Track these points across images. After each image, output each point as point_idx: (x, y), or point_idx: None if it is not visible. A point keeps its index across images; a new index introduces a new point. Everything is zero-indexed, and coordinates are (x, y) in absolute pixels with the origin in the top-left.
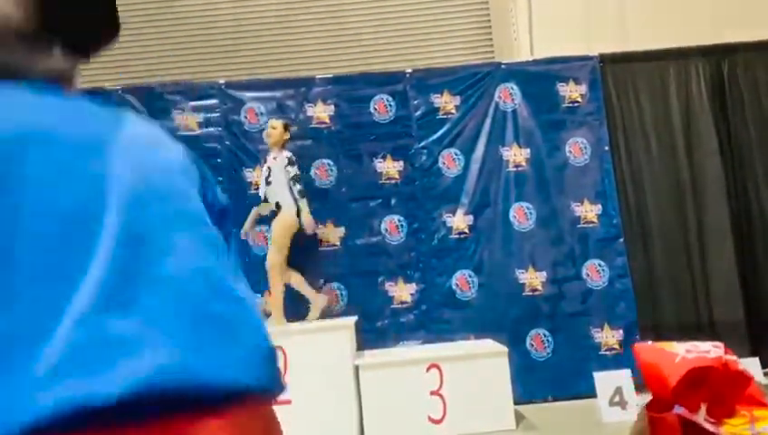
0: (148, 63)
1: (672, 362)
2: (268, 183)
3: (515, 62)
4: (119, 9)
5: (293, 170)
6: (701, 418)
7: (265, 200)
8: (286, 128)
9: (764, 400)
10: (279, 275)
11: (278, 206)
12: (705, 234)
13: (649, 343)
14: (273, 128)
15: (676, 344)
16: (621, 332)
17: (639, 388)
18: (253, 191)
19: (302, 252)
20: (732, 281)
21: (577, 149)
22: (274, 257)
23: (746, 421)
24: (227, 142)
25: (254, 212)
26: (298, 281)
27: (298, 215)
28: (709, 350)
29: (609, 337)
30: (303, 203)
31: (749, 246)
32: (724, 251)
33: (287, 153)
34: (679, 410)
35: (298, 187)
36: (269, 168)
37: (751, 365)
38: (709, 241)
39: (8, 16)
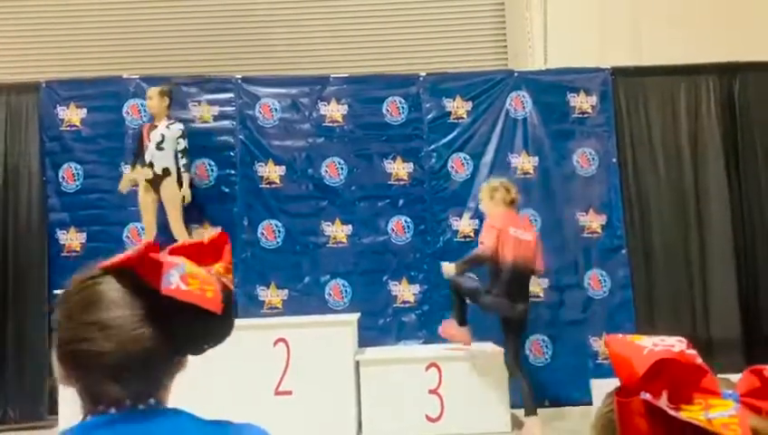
0: (166, 55)
1: (641, 353)
2: (160, 148)
3: (528, 70)
4: (139, 0)
5: (183, 143)
6: (663, 403)
7: (150, 165)
8: (163, 94)
9: (718, 390)
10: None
11: (166, 171)
12: (707, 250)
13: (620, 335)
14: (150, 98)
15: (644, 338)
16: None
17: None
18: (264, 186)
19: (308, 248)
20: (731, 299)
21: (585, 159)
22: (178, 222)
23: (701, 408)
24: (241, 136)
25: (130, 173)
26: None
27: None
28: (674, 344)
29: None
30: (186, 177)
31: (750, 265)
32: (725, 269)
33: (180, 126)
34: (645, 395)
35: (184, 160)
36: (162, 134)
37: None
38: (711, 258)
39: (149, 349)
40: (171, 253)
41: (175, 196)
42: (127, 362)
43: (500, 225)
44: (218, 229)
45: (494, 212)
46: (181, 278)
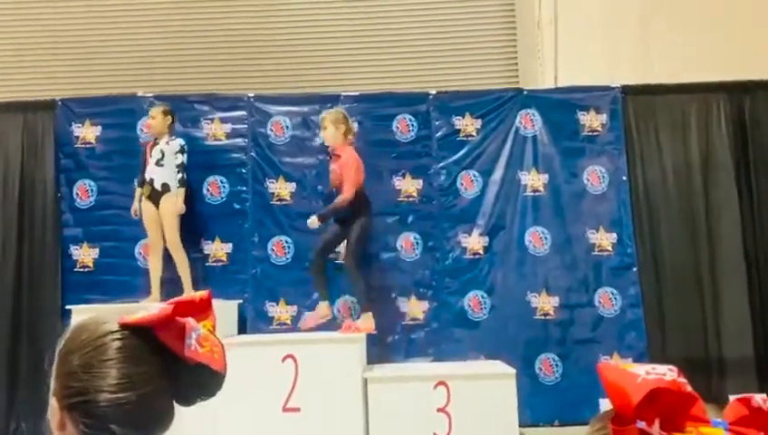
0: (179, 73)
1: (635, 381)
2: (160, 165)
3: (538, 89)
4: (154, 19)
5: (181, 158)
6: (656, 431)
7: (150, 181)
8: (166, 114)
9: (707, 418)
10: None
11: (165, 187)
12: (717, 269)
13: (612, 363)
14: (153, 118)
15: (636, 365)
16: (631, 361)
17: None
18: (275, 202)
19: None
20: (743, 318)
21: (595, 177)
22: (174, 235)
23: None
24: (252, 154)
25: (138, 193)
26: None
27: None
28: (665, 372)
29: None
30: (181, 192)
31: (762, 283)
32: (737, 288)
33: (180, 141)
34: (641, 424)
35: (180, 175)
36: (162, 151)
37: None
38: (722, 277)
39: (158, 403)
40: (176, 311)
41: (173, 211)
42: (137, 413)
43: (357, 166)
44: (207, 290)
45: (345, 149)
46: (197, 341)
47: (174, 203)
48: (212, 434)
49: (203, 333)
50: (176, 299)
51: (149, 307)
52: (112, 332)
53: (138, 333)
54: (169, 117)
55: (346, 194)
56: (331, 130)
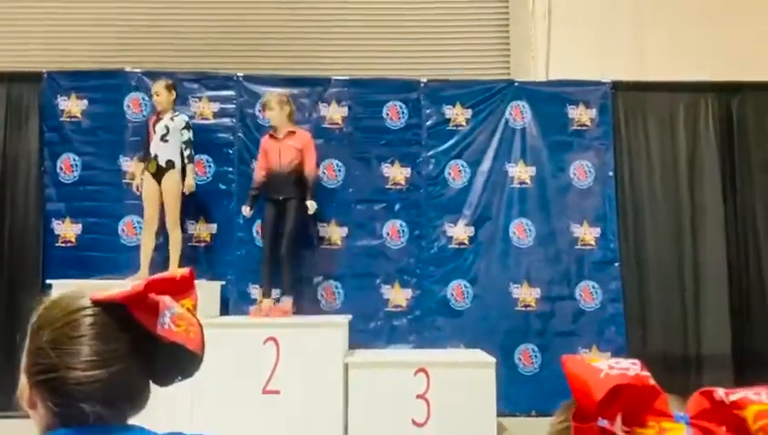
0: (168, 50)
1: (597, 377)
2: (164, 141)
3: (529, 81)
4: None
5: (188, 134)
6: (618, 427)
7: (154, 157)
8: (170, 89)
9: (670, 412)
10: (179, 230)
11: (170, 164)
12: (700, 267)
13: (577, 356)
14: (158, 94)
15: (601, 360)
16: (609, 355)
17: None
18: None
19: (303, 248)
20: (722, 316)
21: (582, 171)
22: (175, 213)
23: (656, 432)
24: (240, 134)
25: (141, 168)
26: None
27: (182, 176)
28: (628, 367)
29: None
30: (190, 168)
31: (743, 282)
32: (718, 286)
33: (185, 117)
34: (603, 422)
35: (188, 151)
36: (166, 126)
37: None
38: (704, 274)
39: (130, 381)
40: (149, 288)
41: (177, 188)
42: (109, 392)
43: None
44: (189, 268)
45: (298, 129)
46: (171, 319)
47: (177, 181)
48: (188, 414)
49: (178, 311)
50: (152, 277)
51: (125, 284)
52: (84, 308)
53: (110, 310)
54: (173, 92)
55: (315, 171)
56: (276, 110)
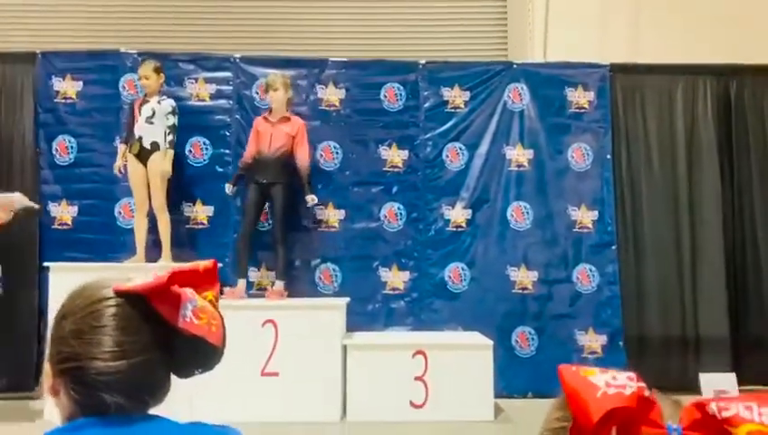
0: (164, 31)
1: (594, 396)
2: (150, 123)
3: (527, 63)
4: None
5: (173, 120)
6: None
7: (139, 139)
8: (158, 72)
9: (663, 423)
10: (166, 212)
11: (155, 145)
12: (697, 250)
13: (573, 368)
14: (146, 77)
15: (597, 374)
16: (605, 337)
17: None
18: None
19: (300, 231)
20: (719, 298)
21: (579, 154)
22: (161, 196)
23: None
24: (237, 116)
25: (123, 149)
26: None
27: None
28: (625, 384)
29: (592, 341)
30: (170, 153)
31: (740, 264)
32: (715, 268)
33: (172, 102)
34: None
35: (170, 137)
36: (153, 109)
37: (727, 381)
38: (701, 257)
39: (151, 373)
40: (172, 279)
41: (162, 170)
42: (130, 383)
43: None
44: (212, 259)
45: (292, 116)
46: (193, 312)
47: (162, 162)
48: (187, 396)
49: (200, 304)
50: (175, 268)
51: (147, 275)
52: (107, 298)
53: (133, 301)
54: (162, 75)
55: (308, 159)
56: (281, 91)
